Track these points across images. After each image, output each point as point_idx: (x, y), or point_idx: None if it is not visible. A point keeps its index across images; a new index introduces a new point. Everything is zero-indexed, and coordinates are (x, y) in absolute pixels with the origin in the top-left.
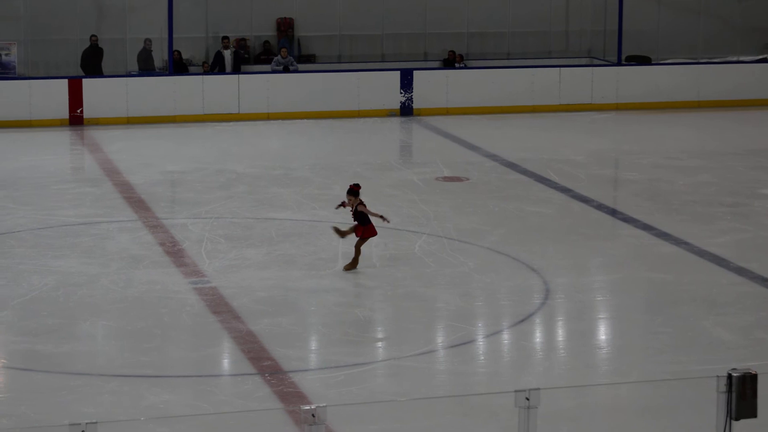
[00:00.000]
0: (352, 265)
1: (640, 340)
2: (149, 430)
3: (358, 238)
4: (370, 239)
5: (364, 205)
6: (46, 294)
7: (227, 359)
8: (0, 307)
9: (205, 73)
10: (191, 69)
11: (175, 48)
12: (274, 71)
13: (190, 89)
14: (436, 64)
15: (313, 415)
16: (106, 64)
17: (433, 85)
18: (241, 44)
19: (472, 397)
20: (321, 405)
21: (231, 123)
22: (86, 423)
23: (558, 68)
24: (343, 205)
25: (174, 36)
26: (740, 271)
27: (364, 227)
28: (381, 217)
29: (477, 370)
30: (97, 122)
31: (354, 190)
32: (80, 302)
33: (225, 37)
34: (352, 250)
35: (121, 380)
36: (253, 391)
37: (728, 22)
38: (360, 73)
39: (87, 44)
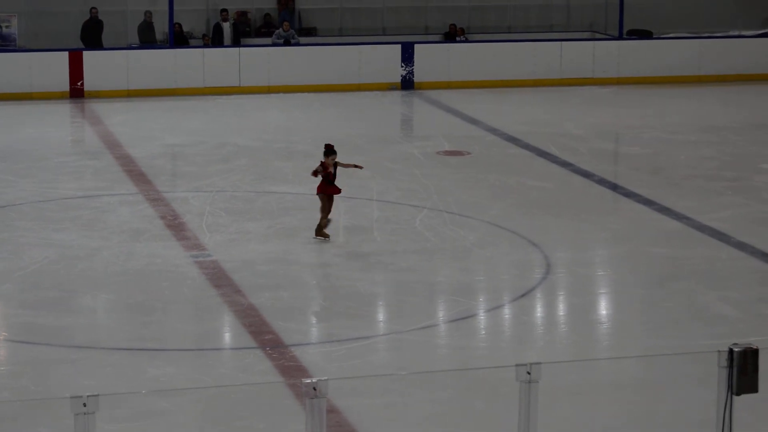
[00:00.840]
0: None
1: (640, 314)
2: (150, 403)
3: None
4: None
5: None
6: (46, 267)
7: (228, 333)
8: (1, 280)
9: (206, 45)
10: (192, 42)
11: (175, 21)
12: (275, 44)
13: (190, 62)
14: (438, 37)
15: (314, 389)
16: (106, 37)
17: (434, 59)
18: (242, 17)
19: (473, 371)
20: (322, 378)
21: (232, 96)
22: (87, 396)
23: (559, 42)
24: (323, 168)
25: (175, 8)
26: (741, 246)
27: (333, 187)
28: (355, 166)
29: (478, 344)
30: (98, 95)
31: (332, 149)
32: (81, 275)
33: (224, 10)
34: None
35: (122, 353)
36: (254, 365)
37: None
38: (361, 46)
39: (87, 16)
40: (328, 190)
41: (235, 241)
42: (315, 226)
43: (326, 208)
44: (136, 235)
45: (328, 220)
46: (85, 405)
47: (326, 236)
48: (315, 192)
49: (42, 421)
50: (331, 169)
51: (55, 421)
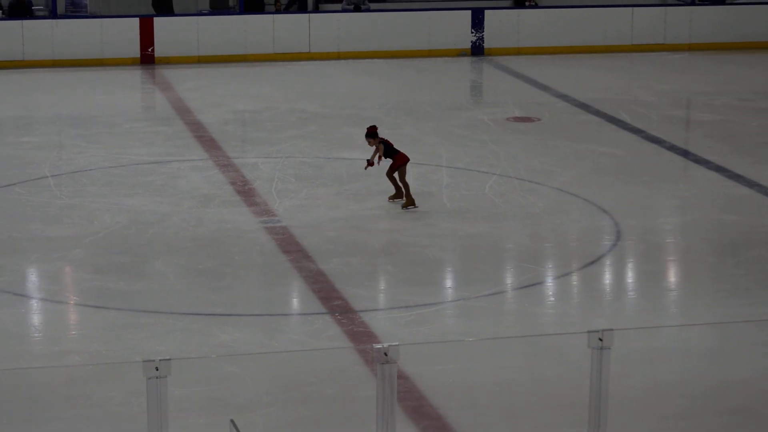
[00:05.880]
0: (397, 196)
1: (711, 282)
2: (220, 367)
3: (389, 169)
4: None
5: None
6: (117, 232)
7: (297, 298)
8: (72, 245)
9: (276, 12)
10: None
11: None
12: (344, 10)
13: (261, 28)
14: (508, 3)
15: (385, 354)
16: (176, 3)
17: (504, 25)
18: None
19: (542, 337)
20: (394, 344)
21: (302, 62)
22: (160, 360)
23: (631, 8)
24: (370, 164)
25: None
26: None
27: (393, 157)
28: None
29: (546, 311)
30: (168, 61)
31: (373, 132)
32: (152, 240)
33: None
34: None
35: (191, 318)
36: (323, 330)
37: None
38: (431, 12)
39: None
40: (398, 162)
41: (304, 206)
42: (383, 192)
43: (401, 177)
44: (206, 200)
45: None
46: (157, 369)
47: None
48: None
49: (113, 385)
50: (379, 155)
51: (126, 384)
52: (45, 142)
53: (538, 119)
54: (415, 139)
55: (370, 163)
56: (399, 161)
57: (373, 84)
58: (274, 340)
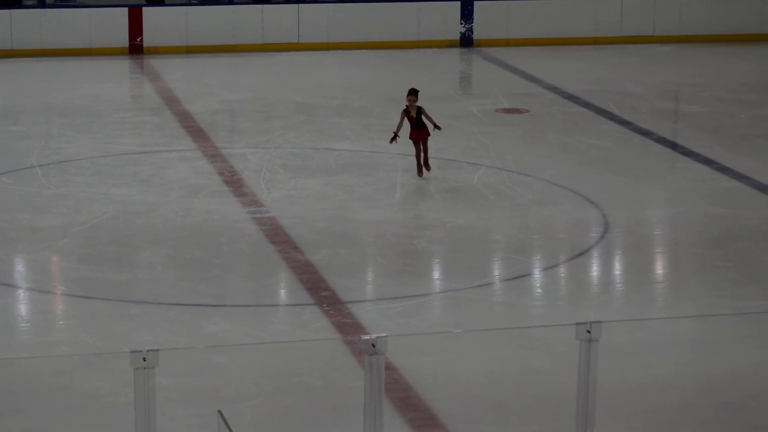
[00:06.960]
0: (427, 168)
1: (699, 274)
2: (208, 358)
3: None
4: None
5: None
6: (105, 222)
7: (285, 289)
8: (60, 234)
9: (265, 2)
10: None
11: None
12: (334, 0)
13: (249, 18)
14: None
15: (373, 345)
16: None
17: (493, 16)
18: None
19: (531, 329)
20: (381, 335)
21: (290, 53)
22: (147, 350)
23: None
24: (395, 139)
25: None
26: None
27: (418, 131)
28: (435, 125)
29: (534, 302)
30: (157, 51)
31: (416, 92)
32: (140, 231)
33: None
34: (409, 181)
35: (179, 309)
36: (310, 321)
37: None
38: (420, 3)
39: None
40: (412, 136)
41: (292, 197)
42: (371, 183)
43: (416, 152)
44: (194, 191)
45: (421, 166)
46: (144, 359)
47: (419, 175)
48: (373, 150)
49: (100, 376)
50: (413, 113)
51: (113, 375)
52: (33, 131)
53: (527, 111)
54: (404, 130)
55: (396, 134)
56: (414, 138)
57: (362, 74)
58: (261, 331)
